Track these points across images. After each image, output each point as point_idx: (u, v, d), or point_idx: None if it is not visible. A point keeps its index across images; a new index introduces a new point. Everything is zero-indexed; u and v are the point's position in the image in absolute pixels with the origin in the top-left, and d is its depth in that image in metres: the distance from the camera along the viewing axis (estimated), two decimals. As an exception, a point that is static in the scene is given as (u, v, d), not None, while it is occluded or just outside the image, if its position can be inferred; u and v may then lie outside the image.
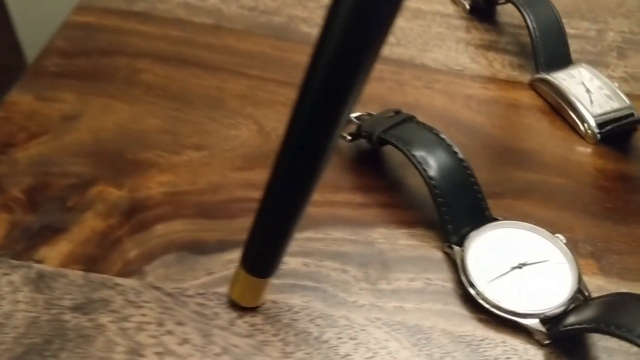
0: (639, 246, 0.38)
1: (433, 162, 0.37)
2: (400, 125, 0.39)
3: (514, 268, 0.35)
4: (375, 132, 0.39)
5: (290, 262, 0.36)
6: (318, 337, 0.33)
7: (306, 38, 0.50)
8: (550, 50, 0.47)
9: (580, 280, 0.34)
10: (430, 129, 0.38)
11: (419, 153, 0.37)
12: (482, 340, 0.33)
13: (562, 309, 0.33)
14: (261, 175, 0.39)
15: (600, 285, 0.36)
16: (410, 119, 0.40)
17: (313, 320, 0.33)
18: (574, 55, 0.50)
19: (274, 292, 0.34)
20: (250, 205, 0.38)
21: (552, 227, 0.38)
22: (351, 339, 0.33)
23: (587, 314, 0.32)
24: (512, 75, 0.49)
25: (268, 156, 0.41)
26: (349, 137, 0.41)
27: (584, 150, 0.44)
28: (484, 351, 0.33)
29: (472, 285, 0.34)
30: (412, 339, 0.33)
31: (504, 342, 0.33)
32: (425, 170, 0.37)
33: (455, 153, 0.37)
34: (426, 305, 0.35)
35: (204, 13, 0.52)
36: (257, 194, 0.39)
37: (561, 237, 0.37)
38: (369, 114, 0.43)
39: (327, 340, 0.33)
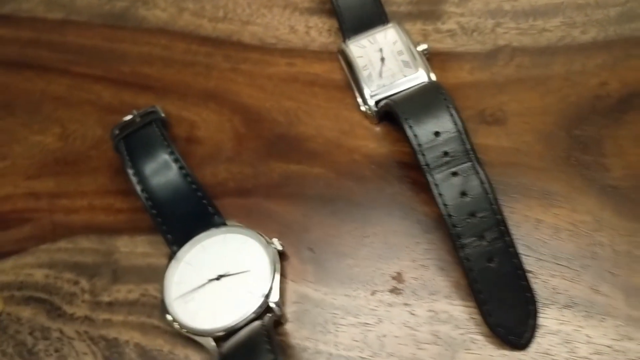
0: (375, 249, 0.35)
1: (150, 174, 0.37)
2: (140, 130, 0.39)
3: (211, 280, 0.35)
4: (117, 138, 0.39)
5: (36, 273, 0.39)
6: (30, 349, 0.36)
7: (140, 23, 0.50)
8: (354, 9, 0.42)
9: (268, 294, 0.33)
10: (160, 135, 0.38)
11: (138, 164, 0.37)
12: (167, 354, 0.34)
13: (236, 326, 0.33)
14: (44, 184, 0.43)
15: (306, 295, 0.35)
16: (150, 123, 0.39)
17: (32, 333, 0.37)
18: (407, 7, 0.44)
19: (13, 303, 0.38)
20: (25, 216, 0.42)
21: (289, 229, 0.37)
22: (56, 351, 0.36)
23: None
24: (325, 44, 0.44)
25: (58, 162, 0.44)
26: (120, 140, 0.42)
27: (362, 132, 0.40)
28: (166, 366, 0.34)
29: (162, 298, 0.35)
30: (106, 352, 0.35)
31: (186, 357, 0.34)
32: (139, 183, 0.37)
33: (177, 161, 0.37)
34: (132, 317, 0.36)
35: (57, 7, 0.53)
36: (35, 204, 0.42)
37: (276, 243, 0.35)
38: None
39: (37, 353, 0.36)
